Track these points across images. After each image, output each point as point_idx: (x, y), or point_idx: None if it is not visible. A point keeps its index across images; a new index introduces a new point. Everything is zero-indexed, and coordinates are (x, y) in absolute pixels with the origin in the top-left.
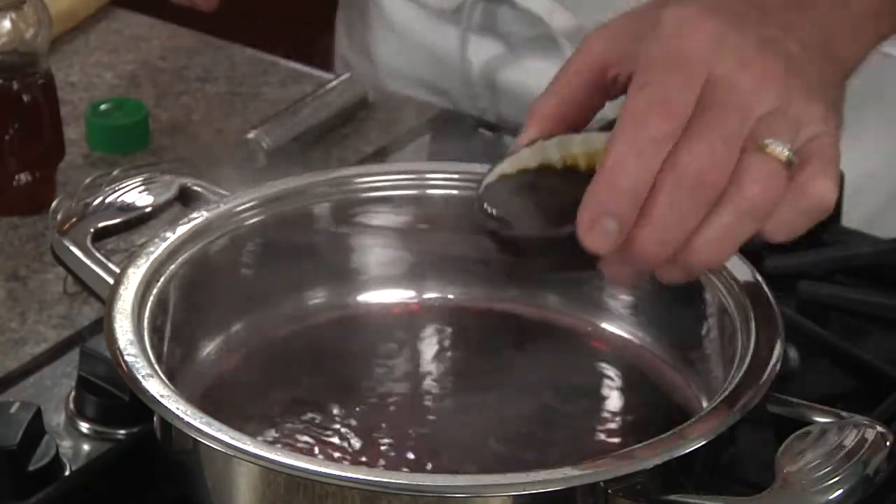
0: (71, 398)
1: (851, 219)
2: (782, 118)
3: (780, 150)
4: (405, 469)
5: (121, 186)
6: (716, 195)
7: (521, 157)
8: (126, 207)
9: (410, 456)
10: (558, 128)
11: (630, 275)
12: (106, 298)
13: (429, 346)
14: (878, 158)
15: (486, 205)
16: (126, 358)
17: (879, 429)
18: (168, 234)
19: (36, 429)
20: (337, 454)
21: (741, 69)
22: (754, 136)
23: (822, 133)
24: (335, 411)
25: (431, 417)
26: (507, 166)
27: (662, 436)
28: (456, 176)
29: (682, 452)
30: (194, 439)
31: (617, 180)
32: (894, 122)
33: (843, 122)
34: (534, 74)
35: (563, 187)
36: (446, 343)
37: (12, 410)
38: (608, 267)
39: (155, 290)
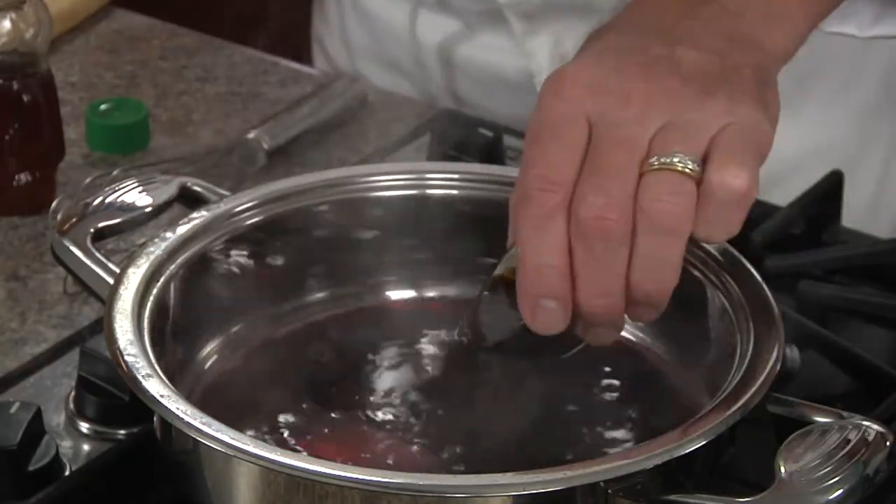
0: (71, 398)
1: (793, 195)
2: (674, 129)
3: (673, 161)
4: (405, 468)
5: (121, 186)
6: (626, 231)
7: (510, 258)
8: (126, 207)
9: (410, 455)
10: None
11: (607, 332)
12: (106, 298)
13: (428, 346)
14: (820, 134)
15: (482, 328)
16: (126, 358)
17: (879, 429)
18: (168, 234)
19: (36, 429)
20: (337, 454)
21: (622, 104)
22: (649, 159)
23: (727, 124)
24: (335, 411)
25: (431, 418)
26: (497, 271)
27: (662, 436)
28: (456, 176)
29: (682, 452)
30: (194, 439)
31: (531, 263)
32: (835, 98)
33: (777, 103)
34: (487, 50)
35: None
36: (446, 343)
37: (12, 410)
38: (586, 335)
39: (155, 290)
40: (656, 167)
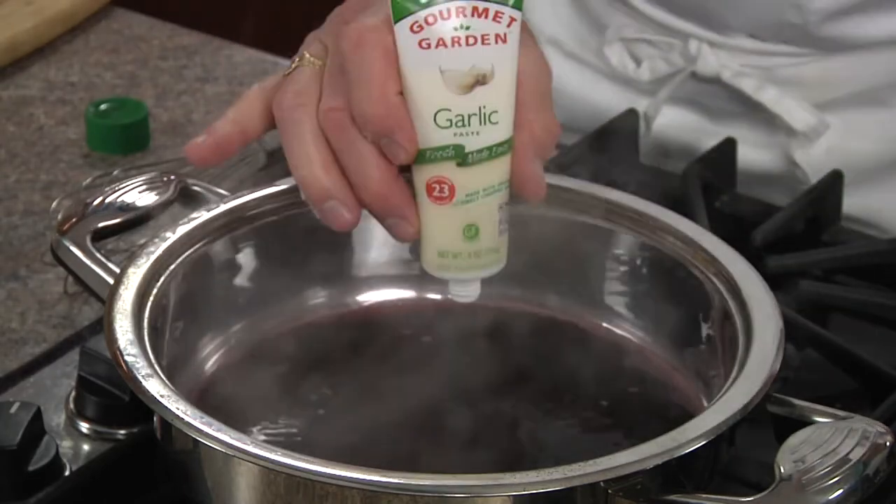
0: (71, 398)
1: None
2: None
3: None
4: (405, 468)
5: (121, 186)
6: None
7: None
8: (126, 207)
9: (410, 455)
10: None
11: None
12: (106, 298)
13: (428, 346)
14: None
15: None
16: (126, 358)
17: (879, 429)
18: (168, 234)
19: (36, 429)
20: (337, 453)
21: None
22: None
23: None
24: (335, 411)
25: (431, 416)
26: None
27: (662, 436)
28: None
29: (682, 452)
30: (194, 439)
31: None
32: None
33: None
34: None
35: None
36: (445, 342)
37: (12, 410)
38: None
39: (155, 290)
40: None
